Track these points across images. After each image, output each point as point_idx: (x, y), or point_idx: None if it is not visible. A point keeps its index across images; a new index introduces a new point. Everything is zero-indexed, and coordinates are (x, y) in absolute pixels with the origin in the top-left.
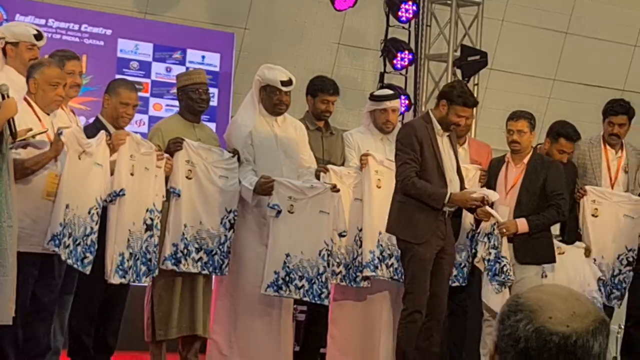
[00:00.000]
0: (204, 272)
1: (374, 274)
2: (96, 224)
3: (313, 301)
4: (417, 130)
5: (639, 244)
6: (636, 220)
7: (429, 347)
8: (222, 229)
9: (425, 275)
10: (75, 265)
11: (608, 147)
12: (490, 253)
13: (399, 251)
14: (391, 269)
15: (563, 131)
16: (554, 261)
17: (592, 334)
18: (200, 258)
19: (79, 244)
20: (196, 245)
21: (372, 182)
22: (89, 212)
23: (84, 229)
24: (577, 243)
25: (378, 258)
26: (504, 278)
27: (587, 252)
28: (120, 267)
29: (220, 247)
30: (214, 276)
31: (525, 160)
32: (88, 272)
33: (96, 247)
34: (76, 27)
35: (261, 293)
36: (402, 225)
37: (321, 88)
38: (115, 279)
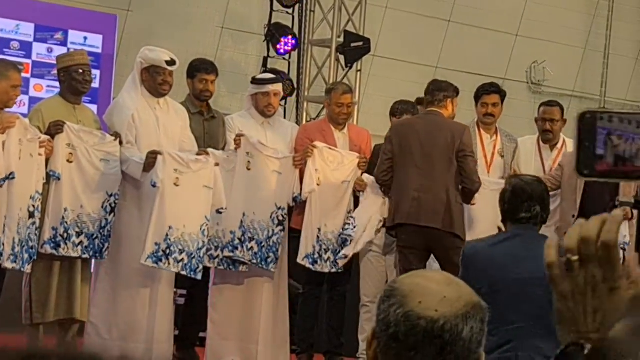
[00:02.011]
0: (84, 256)
1: (232, 254)
2: None
3: (189, 275)
4: None
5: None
6: None
7: None
8: (103, 212)
9: None
10: None
11: (483, 131)
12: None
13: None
14: (251, 252)
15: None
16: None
17: (463, 319)
18: (81, 242)
19: None
20: (77, 229)
21: (243, 164)
22: None
23: None
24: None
25: (239, 239)
26: None
27: None
28: (12, 252)
29: (101, 230)
30: (93, 260)
31: None
32: None
33: None
34: None
35: (140, 263)
36: (464, 227)
37: (198, 68)
38: (8, 264)
